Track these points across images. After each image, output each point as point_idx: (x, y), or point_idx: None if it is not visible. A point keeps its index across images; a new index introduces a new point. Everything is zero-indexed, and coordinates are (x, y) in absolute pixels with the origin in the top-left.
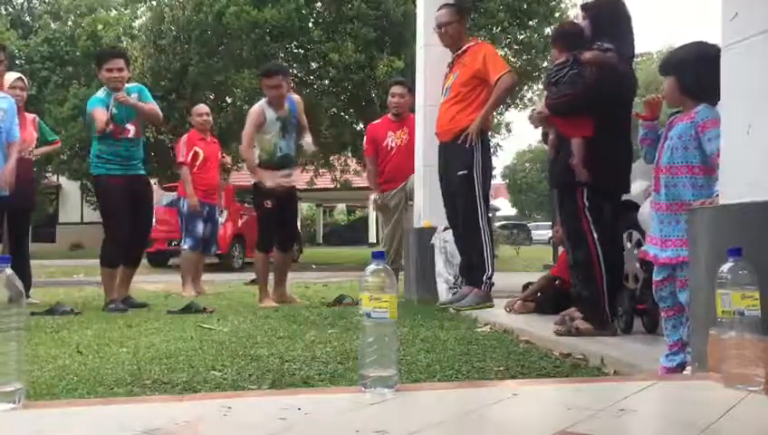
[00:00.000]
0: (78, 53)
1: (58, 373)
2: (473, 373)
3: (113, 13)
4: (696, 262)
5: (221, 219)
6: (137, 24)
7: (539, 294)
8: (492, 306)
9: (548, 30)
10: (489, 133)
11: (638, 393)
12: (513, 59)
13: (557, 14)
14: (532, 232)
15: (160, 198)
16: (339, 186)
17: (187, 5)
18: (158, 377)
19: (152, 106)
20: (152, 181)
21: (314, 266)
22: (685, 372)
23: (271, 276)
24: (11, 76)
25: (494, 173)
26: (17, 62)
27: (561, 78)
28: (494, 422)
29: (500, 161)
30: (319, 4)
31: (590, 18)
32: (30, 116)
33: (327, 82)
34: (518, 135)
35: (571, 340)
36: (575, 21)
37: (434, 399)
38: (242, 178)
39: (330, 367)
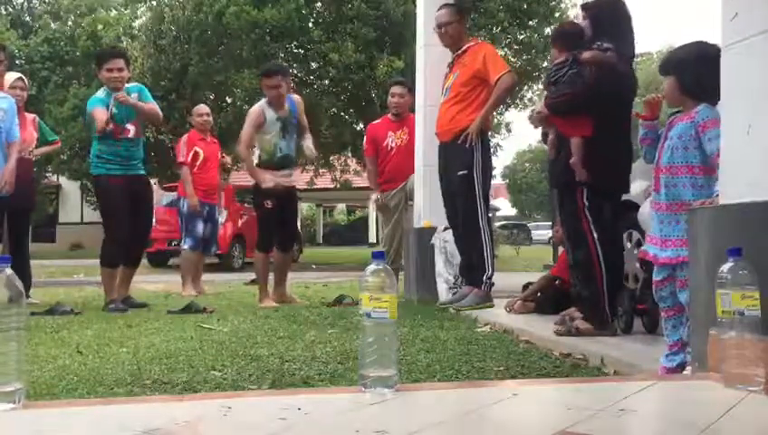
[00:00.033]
0: (78, 53)
1: (58, 373)
2: (473, 373)
3: (113, 13)
4: (696, 262)
5: (221, 219)
6: (137, 24)
7: (539, 294)
8: (492, 306)
9: (548, 30)
10: (489, 133)
11: (638, 393)
12: (513, 59)
13: (557, 14)
14: (532, 232)
15: (160, 198)
16: (339, 186)
17: (187, 5)
18: (158, 377)
19: (152, 106)
20: (152, 181)
21: (314, 266)
22: (685, 372)
23: (271, 276)
24: (11, 76)
25: (494, 173)
26: (17, 62)
27: (560, 78)
28: (494, 422)
29: (500, 161)
30: (319, 4)
31: (590, 18)
32: (30, 116)
33: (327, 82)
34: (518, 135)
35: (571, 340)
36: (575, 21)
37: (434, 399)
38: (242, 178)
39: (330, 367)
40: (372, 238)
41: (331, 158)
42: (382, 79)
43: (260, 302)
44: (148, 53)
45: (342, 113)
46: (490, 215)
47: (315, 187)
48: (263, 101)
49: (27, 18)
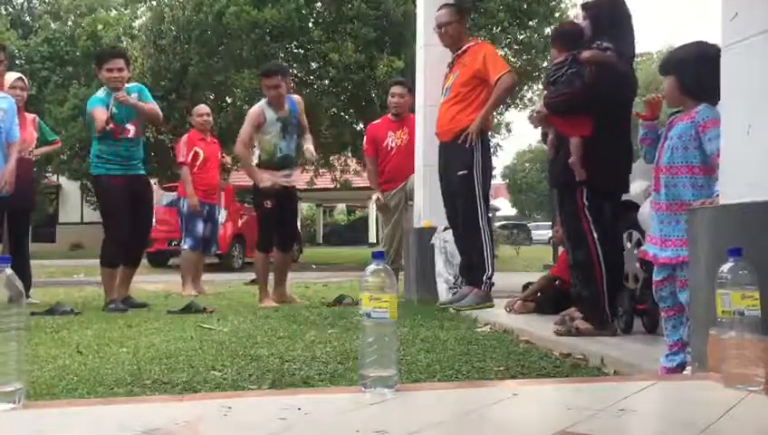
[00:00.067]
0: (78, 53)
1: (58, 373)
2: (473, 373)
3: (113, 13)
4: (696, 262)
5: (221, 219)
6: (137, 24)
7: (539, 294)
8: (492, 306)
9: (548, 30)
10: (489, 133)
11: (638, 393)
12: (513, 59)
13: (557, 14)
14: (532, 232)
15: (160, 198)
16: (339, 186)
17: (187, 5)
18: (158, 377)
19: (152, 106)
20: (152, 181)
21: (314, 266)
22: (685, 372)
23: (271, 276)
24: (11, 76)
25: (494, 173)
26: (17, 62)
27: (559, 77)
28: (494, 422)
29: (500, 161)
30: (319, 4)
31: (590, 18)
32: (30, 116)
33: (327, 82)
34: (518, 135)
35: (571, 340)
36: (575, 21)
37: (434, 399)
38: (242, 178)
39: (330, 367)
40: (372, 238)
41: (331, 158)
42: (382, 79)
43: (260, 302)
44: (148, 53)
45: (342, 113)
46: (490, 215)
47: (315, 187)
48: (263, 102)
49: (27, 18)
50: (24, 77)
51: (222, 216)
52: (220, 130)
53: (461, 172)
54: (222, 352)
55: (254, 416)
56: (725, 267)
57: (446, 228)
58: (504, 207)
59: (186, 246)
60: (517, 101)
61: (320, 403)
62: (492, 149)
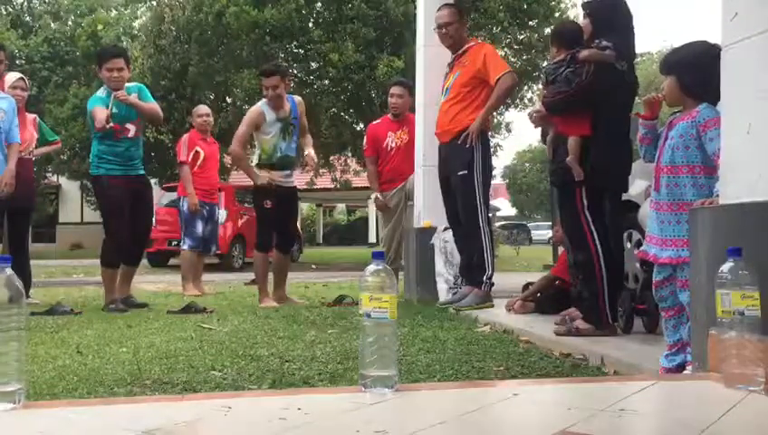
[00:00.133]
0: (78, 53)
1: (58, 373)
2: (473, 373)
3: (113, 13)
4: (696, 262)
5: (221, 219)
6: (137, 24)
7: (539, 294)
8: (492, 306)
9: (548, 30)
10: (489, 133)
11: (638, 393)
12: (513, 59)
13: (557, 14)
14: (532, 232)
15: (160, 198)
16: (339, 186)
17: (187, 5)
18: (158, 377)
19: (152, 105)
20: (152, 181)
21: (314, 266)
22: (685, 372)
23: (270, 277)
24: (12, 76)
25: (494, 173)
26: (17, 62)
27: (558, 76)
28: (494, 422)
29: (500, 161)
30: (319, 4)
31: (590, 17)
32: (30, 116)
33: (327, 82)
34: (518, 135)
35: (571, 340)
36: (575, 20)
37: (434, 399)
38: (242, 178)
39: (330, 367)
40: (372, 238)
41: (331, 158)
42: (382, 79)
43: (260, 302)
44: (148, 53)
45: (342, 113)
46: (490, 215)
47: (315, 187)
48: (263, 102)
49: (27, 18)
50: (24, 77)
51: (222, 216)
52: (220, 130)
53: (461, 172)
54: (222, 352)
55: (254, 416)
56: (725, 267)
57: (446, 228)
58: (504, 207)
59: (185, 247)
60: (517, 101)
61: (320, 403)
62: (492, 149)
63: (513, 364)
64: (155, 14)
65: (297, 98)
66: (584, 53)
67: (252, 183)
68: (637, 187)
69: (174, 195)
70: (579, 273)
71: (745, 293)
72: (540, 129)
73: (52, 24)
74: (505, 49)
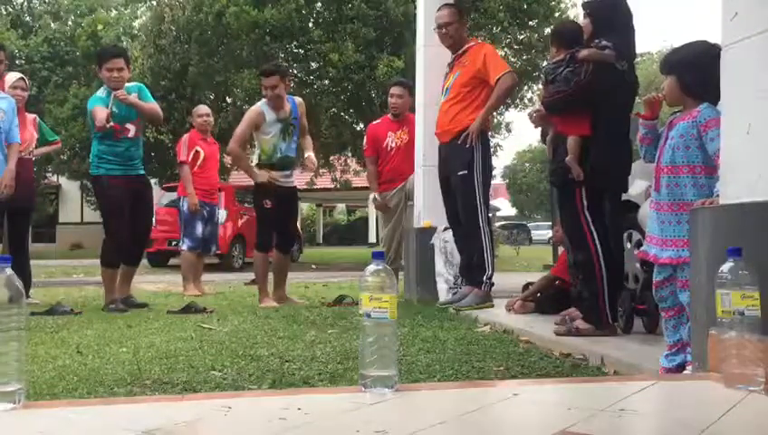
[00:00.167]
0: (78, 53)
1: (58, 373)
2: (473, 373)
3: (113, 13)
4: (696, 262)
5: (221, 219)
6: (137, 24)
7: (539, 294)
8: (492, 306)
9: (548, 30)
10: (489, 133)
11: (638, 393)
12: (513, 59)
13: (557, 14)
14: (532, 232)
15: (160, 198)
16: (339, 186)
17: (187, 5)
18: (158, 377)
19: (152, 105)
20: (152, 181)
21: (314, 266)
22: (685, 372)
23: (271, 277)
24: (12, 76)
25: (494, 173)
26: (17, 62)
27: (557, 76)
28: (495, 422)
29: (500, 161)
30: (319, 4)
31: (590, 17)
32: (30, 116)
33: (327, 82)
34: (518, 135)
35: (571, 340)
36: (575, 20)
37: (434, 399)
38: (242, 178)
39: (330, 367)
40: (372, 238)
41: (330, 158)
42: (382, 79)
43: (260, 302)
44: (149, 53)
45: (342, 113)
46: (490, 215)
47: (315, 187)
48: (262, 102)
49: (27, 18)
50: (24, 77)
51: (222, 216)
52: (220, 130)
53: (461, 172)
54: (222, 352)
55: (254, 416)
56: (725, 267)
57: (446, 228)
58: (504, 207)
59: (184, 247)
60: (517, 101)
61: (320, 403)
62: (492, 149)
63: (513, 364)
64: (155, 14)
65: (297, 99)
66: (583, 53)
67: (252, 183)
68: (637, 187)
69: (174, 195)
70: (579, 273)
71: (745, 293)
72: (540, 129)
73: (52, 24)
74: (505, 49)
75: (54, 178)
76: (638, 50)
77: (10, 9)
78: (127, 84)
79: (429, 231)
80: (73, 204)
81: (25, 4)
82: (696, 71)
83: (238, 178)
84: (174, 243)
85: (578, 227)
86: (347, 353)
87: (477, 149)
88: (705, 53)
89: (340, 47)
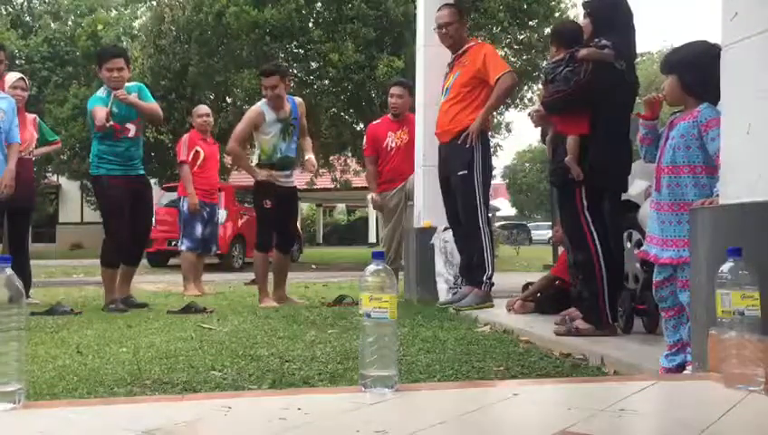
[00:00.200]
0: (78, 53)
1: (58, 373)
2: (473, 373)
3: (113, 13)
4: (696, 262)
5: (221, 219)
6: (137, 24)
7: (539, 294)
8: (492, 306)
9: (548, 30)
10: (489, 133)
11: (638, 393)
12: (513, 59)
13: (557, 14)
14: (532, 232)
15: (160, 198)
16: (339, 186)
17: (187, 5)
18: (158, 377)
19: (152, 105)
20: (152, 181)
21: (314, 266)
22: (685, 372)
23: (271, 277)
24: (13, 76)
25: (494, 173)
26: (17, 62)
27: (556, 75)
28: (495, 422)
29: (500, 161)
30: (319, 4)
31: (590, 16)
32: (30, 116)
33: (327, 82)
34: (518, 135)
35: (571, 340)
36: (575, 20)
37: (434, 399)
38: (242, 178)
39: (330, 367)
40: (372, 238)
41: (330, 158)
42: (382, 79)
43: (260, 302)
44: (149, 53)
45: (342, 113)
46: (490, 215)
47: (315, 187)
48: (262, 101)
49: (27, 18)
50: (24, 77)
51: (222, 216)
52: (220, 130)
53: (461, 172)
54: (222, 352)
55: (254, 416)
56: (725, 267)
57: (446, 228)
58: (503, 207)
59: (183, 247)
60: (517, 101)
61: (320, 403)
62: (492, 149)
63: (513, 364)
64: (155, 14)
65: (298, 99)
66: (583, 52)
67: (252, 183)
68: (637, 187)
69: (174, 195)
70: (579, 273)
71: (745, 293)
72: (540, 128)
73: (52, 24)
74: (505, 49)
75: (54, 178)
76: (639, 50)
77: (10, 9)
78: (127, 84)
79: (429, 231)
80: (73, 204)
81: (25, 4)
82: (697, 70)
83: (238, 178)
84: (173, 243)
85: (578, 227)
86: (347, 353)
87: (477, 149)
88: (706, 52)
89: (340, 47)
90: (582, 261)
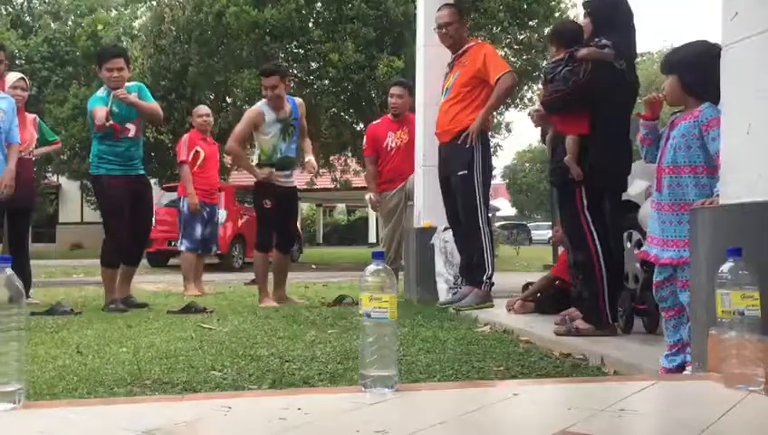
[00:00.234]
0: (78, 53)
1: (58, 373)
2: (473, 373)
3: (113, 13)
4: (696, 262)
5: (221, 219)
6: (137, 24)
7: (539, 294)
8: (492, 306)
9: (548, 30)
10: (489, 133)
11: (638, 393)
12: (513, 59)
13: (557, 14)
14: (532, 232)
15: (160, 198)
16: (339, 186)
17: (187, 5)
18: (158, 377)
19: (152, 105)
20: (152, 181)
21: (314, 266)
22: (685, 372)
23: (271, 277)
24: (13, 76)
25: (494, 173)
26: (17, 62)
27: (556, 75)
28: (495, 422)
29: (500, 161)
30: (319, 4)
31: (591, 16)
32: (30, 116)
33: (327, 82)
34: (518, 135)
35: (571, 340)
36: (575, 20)
37: (434, 399)
38: (242, 178)
39: (330, 367)
40: (372, 238)
41: (330, 158)
42: (382, 79)
43: (260, 302)
44: (148, 53)
45: (342, 113)
46: (490, 215)
47: (315, 187)
48: (262, 102)
49: (27, 18)
50: (24, 77)
51: (222, 216)
52: (220, 130)
53: (461, 172)
54: (222, 352)
55: (254, 416)
56: (725, 267)
57: (446, 228)
58: (503, 207)
59: (182, 248)
60: (517, 100)
61: (320, 403)
62: (492, 149)
63: (513, 364)
64: (155, 14)
65: (298, 99)
66: (582, 52)
67: (252, 184)
68: (637, 187)
69: (174, 195)
70: (579, 273)
71: (745, 293)
72: (540, 128)
73: (52, 24)
74: (505, 49)
75: (54, 178)
76: (639, 50)
77: (10, 9)
78: (127, 84)
79: (429, 231)
80: (73, 204)
81: (25, 4)
82: (697, 70)
83: (238, 178)
84: (173, 243)
85: (578, 227)
86: (347, 353)
87: (477, 149)
88: (706, 52)
89: (340, 47)
90: (582, 261)
